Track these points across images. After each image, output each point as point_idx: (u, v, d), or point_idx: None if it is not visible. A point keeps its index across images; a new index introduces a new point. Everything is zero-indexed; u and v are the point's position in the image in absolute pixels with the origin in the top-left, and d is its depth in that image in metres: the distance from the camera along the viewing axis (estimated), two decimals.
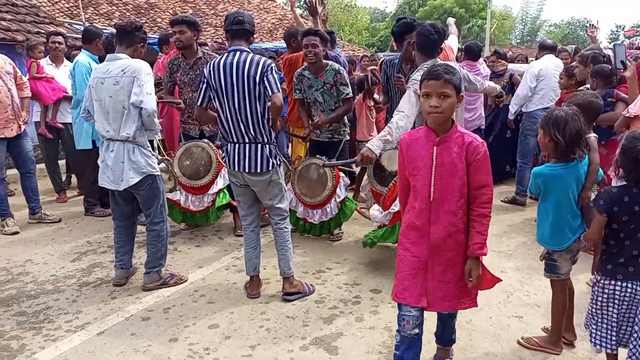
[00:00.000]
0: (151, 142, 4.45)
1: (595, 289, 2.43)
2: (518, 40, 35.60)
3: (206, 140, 4.52)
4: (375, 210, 3.90)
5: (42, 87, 5.44)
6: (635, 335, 2.29)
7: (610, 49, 4.34)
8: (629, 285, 2.32)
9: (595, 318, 2.41)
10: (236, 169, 3.24)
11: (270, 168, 3.23)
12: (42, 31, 7.09)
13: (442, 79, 2.11)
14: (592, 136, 2.93)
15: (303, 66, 4.43)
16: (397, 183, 3.79)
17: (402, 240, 2.36)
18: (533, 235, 4.66)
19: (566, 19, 42.07)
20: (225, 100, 3.13)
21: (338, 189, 4.31)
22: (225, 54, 3.18)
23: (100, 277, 3.70)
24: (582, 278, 3.65)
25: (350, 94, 4.31)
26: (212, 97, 3.20)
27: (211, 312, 3.20)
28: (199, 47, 4.51)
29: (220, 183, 4.46)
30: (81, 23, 8.30)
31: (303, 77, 4.35)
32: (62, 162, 6.19)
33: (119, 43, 3.38)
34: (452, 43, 5.91)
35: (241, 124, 3.15)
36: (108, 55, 3.39)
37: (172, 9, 12.62)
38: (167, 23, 11.40)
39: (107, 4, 12.17)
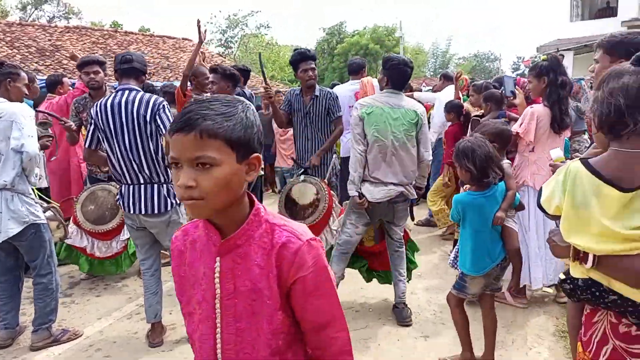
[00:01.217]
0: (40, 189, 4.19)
1: None
2: (431, 73, 37.69)
3: (113, 183, 4.29)
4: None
5: None
6: None
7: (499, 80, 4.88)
8: None
9: None
10: (132, 212, 3.08)
11: (168, 208, 3.10)
12: None
13: (195, 131, 1.01)
14: (506, 162, 3.05)
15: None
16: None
17: None
18: (442, 254, 4.85)
19: (473, 52, 45.20)
20: (115, 141, 3.00)
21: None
22: (113, 94, 3.07)
23: None
24: None
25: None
26: (100, 138, 3.06)
27: None
28: (106, 87, 4.36)
29: None
30: None
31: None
32: None
33: None
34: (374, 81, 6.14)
35: (134, 164, 3.02)
36: None
37: (79, 50, 12.18)
38: (73, 65, 10.97)
39: (7, 47, 11.53)
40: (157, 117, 2.99)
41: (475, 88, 5.27)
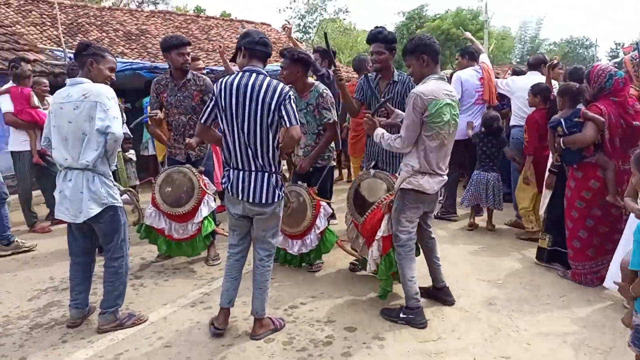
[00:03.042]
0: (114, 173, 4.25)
1: None
2: (518, 59, 35.57)
3: (188, 166, 4.30)
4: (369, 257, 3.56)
5: (43, 115, 5.31)
6: None
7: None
8: None
9: None
10: (239, 197, 3.00)
11: (276, 200, 3.01)
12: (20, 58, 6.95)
13: None
14: None
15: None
16: (374, 211, 3.55)
17: None
18: (526, 260, 4.41)
19: (565, 38, 42.05)
20: (234, 124, 2.91)
21: (318, 220, 4.03)
22: (240, 74, 2.95)
23: (54, 318, 3.41)
24: None
25: (333, 119, 4.07)
26: (219, 117, 2.98)
27: (166, 357, 2.90)
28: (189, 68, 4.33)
29: (204, 210, 4.22)
30: (61, 50, 8.15)
31: None
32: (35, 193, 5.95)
33: (79, 67, 3.22)
34: (486, 60, 5.85)
35: (250, 150, 2.93)
36: (68, 80, 3.21)
37: (163, 34, 12.56)
38: (157, 49, 11.32)
39: (97, 30, 12.11)
40: (282, 107, 2.86)
41: (532, 89, 4.79)
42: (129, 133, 6.28)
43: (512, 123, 5.62)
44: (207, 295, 3.74)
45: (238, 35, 3.17)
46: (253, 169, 2.98)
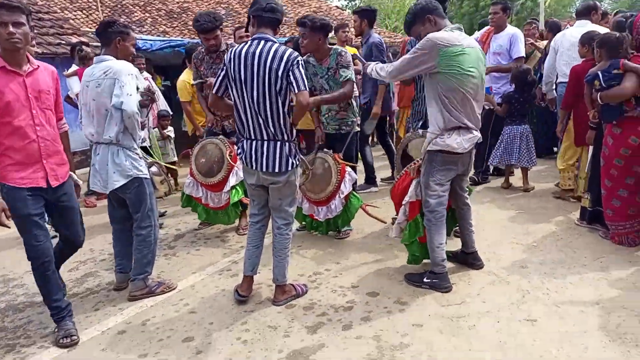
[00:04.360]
0: (145, 148, 4.37)
1: None
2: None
3: (221, 137, 4.39)
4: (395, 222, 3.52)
5: None
6: None
7: None
8: None
9: None
10: (253, 167, 3.02)
11: (289, 168, 3.00)
12: (64, 42, 7.24)
13: None
14: None
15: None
16: (405, 174, 3.46)
17: None
18: (566, 222, 4.18)
19: None
20: (244, 93, 2.91)
21: (342, 185, 4.00)
22: (249, 42, 2.94)
23: (89, 287, 3.60)
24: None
25: (350, 76, 3.96)
26: (229, 87, 2.99)
27: (190, 323, 2.99)
28: (221, 43, 4.31)
29: (232, 180, 4.30)
30: None
31: (308, 64, 4.06)
32: None
33: (103, 45, 3.30)
34: None
35: (260, 119, 2.93)
36: (94, 58, 3.32)
37: (203, 9, 12.68)
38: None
39: (140, 11, 12.38)
40: (291, 72, 2.83)
41: (581, 39, 4.37)
42: (169, 110, 6.44)
43: (558, 80, 5.26)
44: (235, 264, 3.81)
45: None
46: (265, 137, 2.96)
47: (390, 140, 6.11)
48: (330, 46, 4.04)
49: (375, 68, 3.27)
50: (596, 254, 3.52)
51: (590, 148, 4.04)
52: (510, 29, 5.32)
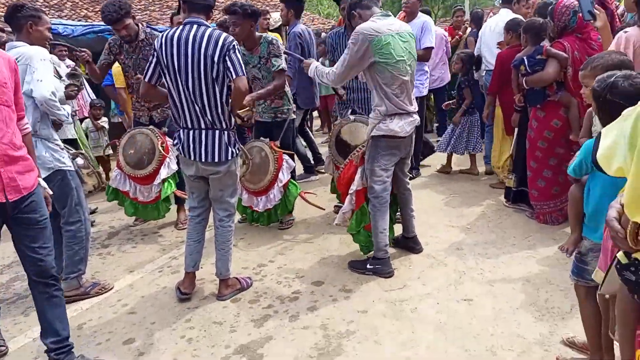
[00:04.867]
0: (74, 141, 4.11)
1: None
2: (500, 1, 34.88)
3: (151, 127, 4.20)
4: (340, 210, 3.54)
5: None
6: None
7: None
8: None
9: None
10: (191, 158, 2.91)
11: (229, 157, 2.92)
12: None
13: None
14: None
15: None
16: (350, 162, 3.50)
17: None
18: (495, 204, 4.40)
19: None
20: (178, 80, 2.78)
21: (280, 173, 3.98)
22: (180, 27, 2.80)
23: (17, 292, 3.37)
24: None
25: (282, 66, 3.92)
26: (162, 74, 2.85)
27: (130, 324, 2.88)
28: (139, 28, 4.09)
29: (164, 172, 4.13)
30: None
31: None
32: None
33: (14, 31, 3.08)
34: None
35: (196, 107, 2.81)
36: (6, 45, 3.06)
37: None
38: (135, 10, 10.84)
39: None
40: (227, 57, 2.73)
41: (506, 25, 4.54)
42: (98, 99, 6.09)
43: (483, 68, 5.47)
44: (175, 260, 3.71)
45: None
46: (203, 126, 2.88)
47: (309, 130, 6.22)
48: (260, 34, 3.98)
49: (316, 72, 3.26)
50: (524, 233, 3.75)
51: (516, 130, 4.27)
52: (422, 17, 5.13)
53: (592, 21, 3.24)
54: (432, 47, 5.02)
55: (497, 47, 4.88)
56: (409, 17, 5.13)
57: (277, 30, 6.83)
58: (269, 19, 6.20)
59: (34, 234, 2.34)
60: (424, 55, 4.84)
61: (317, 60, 3.77)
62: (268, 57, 3.90)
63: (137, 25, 4.09)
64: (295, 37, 4.94)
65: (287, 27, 5.46)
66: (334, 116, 4.74)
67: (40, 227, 2.36)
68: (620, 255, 1.17)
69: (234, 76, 2.76)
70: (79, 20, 10.25)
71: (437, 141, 5.90)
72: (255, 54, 3.94)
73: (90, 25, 8.30)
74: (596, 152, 1.14)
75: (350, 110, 4.06)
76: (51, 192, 2.53)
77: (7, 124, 2.22)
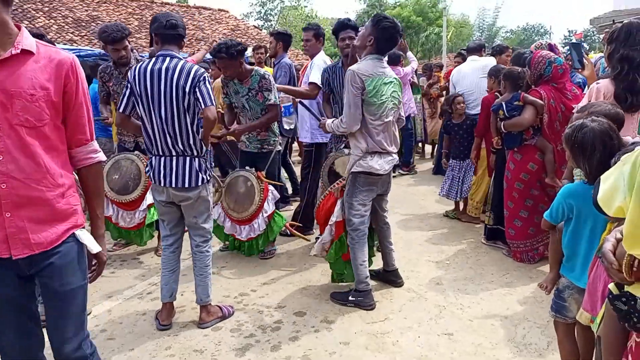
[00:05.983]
0: None
1: None
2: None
3: (137, 153, 4.22)
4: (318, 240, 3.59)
5: None
6: None
7: (567, 48, 4.01)
8: None
9: None
10: (162, 184, 2.95)
11: (199, 183, 2.96)
12: None
13: None
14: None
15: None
16: (330, 194, 3.57)
17: None
18: (474, 241, 4.51)
19: (522, 25, 43.14)
20: (151, 110, 2.85)
21: (265, 204, 4.02)
22: (153, 59, 2.89)
23: None
24: None
25: (274, 100, 4.03)
26: (135, 104, 2.92)
27: (108, 350, 2.83)
28: (131, 55, 4.19)
29: (150, 198, 4.13)
30: None
31: (229, 82, 4.08)
32: None
33: None
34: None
35: (168, 136, 2.87)
36: None
37: (115, 20, 12.15)
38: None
39: (44, 17, 11.60)
40: (197, 88, 2.81)
41: (490, 71, 4.78)
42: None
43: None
44: (155, 286, 3.66)
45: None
46: (174, 153, 2.94)
47: (289, 160, 6.46)
48: (250, 66, 4.07)
49: (332, 126, 3.33)
50: (501, 270, 3.85)
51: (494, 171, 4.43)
52: (320, 55, 4.62)
53: (580, 70, 3.52)
54: (315, 83, 4.40)
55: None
56: (311, 58, 4.70)
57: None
58: (262, 53, 6.35)
59: (55, 307, 1.74)
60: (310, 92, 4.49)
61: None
62: (259, 90, 3.99)
63: (133, 50, 4.18)
64: (286, 67, 5.08)
65: (274, 59, 5.64)
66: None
67: (60, 299, 1.73)
68: (611, 286, 1.26)
69: (204, 106, 2.83)
70: (65, 44, 10.29)
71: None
72: (245, 85, 4.03)
73: (77, 49, 8.38)
74: (596, 196, 1.23)
75: (344, 145, 4.13)
76: (96, 249, 1.79)
77: (28, 151, 1.60)
